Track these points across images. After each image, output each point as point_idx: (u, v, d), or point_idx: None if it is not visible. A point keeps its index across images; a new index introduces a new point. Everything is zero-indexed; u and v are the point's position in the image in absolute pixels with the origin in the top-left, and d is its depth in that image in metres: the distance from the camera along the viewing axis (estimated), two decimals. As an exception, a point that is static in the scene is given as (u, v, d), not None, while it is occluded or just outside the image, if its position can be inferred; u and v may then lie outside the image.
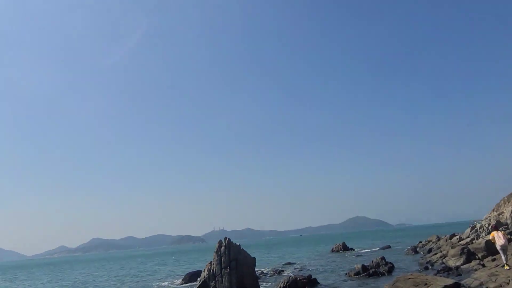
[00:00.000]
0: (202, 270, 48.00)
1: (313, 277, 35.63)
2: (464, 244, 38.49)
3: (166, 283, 48.34)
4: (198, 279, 23.82)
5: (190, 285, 42.56)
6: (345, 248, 79.11)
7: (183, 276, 49.63)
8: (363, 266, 38.77)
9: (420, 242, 66.38)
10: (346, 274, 39.33)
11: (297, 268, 50.99)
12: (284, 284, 30.05)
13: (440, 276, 24.16)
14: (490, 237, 23.26)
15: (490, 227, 25.78)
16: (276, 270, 48.20)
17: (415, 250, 59.05)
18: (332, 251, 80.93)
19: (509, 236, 32.94)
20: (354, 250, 78.78)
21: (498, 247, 21.55)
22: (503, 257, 21.43)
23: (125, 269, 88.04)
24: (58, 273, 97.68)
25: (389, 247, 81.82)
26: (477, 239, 41.52)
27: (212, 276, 20.94)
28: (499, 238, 21.20)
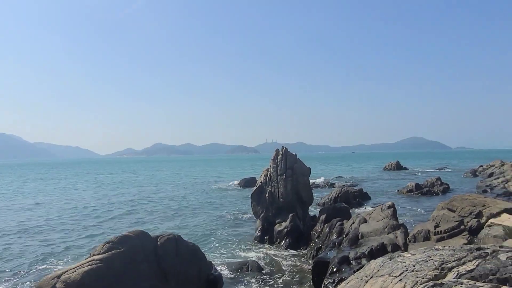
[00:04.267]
0: (255, 176, 51.52)
1: (364, 191, 36.54)
2: (531, 171, 36.37)
3: (224, 185, 52.69)
4: (255, 184, 25.43)
5: (245, 189, 46.03)
6: (398, 166, 78.54)
7: (239, 181, 53.53)
8: (416, 184, 38.69)
9: (481, 166, 63.64)
10: (398, 191, 39.74)
11: (349, 182, 52.23)
12: (336, 194, 31.25)
13: (500, 199, 23.52)
14: None
15: None
16: (328, 182, 49.85)
17: (474, 173, 57.16)
18: (385, 168, 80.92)
19: None
20: (408, 169, 78.05)
21: None
22: None
23: (192, 171, 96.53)
24: (162, 168, 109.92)
25: (446, 168, 79.94)
26: (548, 166, 38.90)
27: (268, 181, 22.18)
28: None
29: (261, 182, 22.69)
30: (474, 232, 15.56)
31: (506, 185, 35.06)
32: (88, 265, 8.39)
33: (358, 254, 13.55)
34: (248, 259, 16.91)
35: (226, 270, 15.44)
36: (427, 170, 74.86)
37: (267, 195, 21.73)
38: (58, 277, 8.17)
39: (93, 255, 9.11)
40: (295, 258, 17.36)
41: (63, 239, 21.66)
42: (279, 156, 22.57)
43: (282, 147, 23.08)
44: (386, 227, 15.66)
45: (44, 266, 16.56)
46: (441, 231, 14.33)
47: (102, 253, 8.93)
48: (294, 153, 23.11)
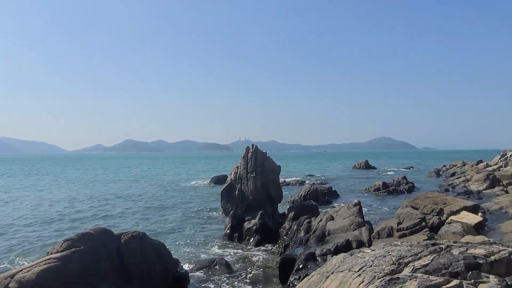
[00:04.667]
0: (227, 174, 51.34)
1: (333, 189, 37.21)
2: (490, 171, 38.19)
3: (195, 183, 52.25)
4: (225, 181, 25.29)
5: (216, 186, 45.76)
6: (367, 166, 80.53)
7: (211, 178, 53.20)
8: (383, 183, 39.79)
9: (444, 166, 66.42)
10: (366, 189, 40.72)
11: (319, 180, 53.02)
12: (305, 192, 31.64)
13: (460, 198, 24.57)
14: None
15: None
16: (298, 180, 50.40)
17: (438, 173, 59.44)
18: (354, 167, 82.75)
19: None
20: (376, 168, 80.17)
21: None
22: None
23: (164, 169, 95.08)
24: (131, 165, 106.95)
25: (412, 168, 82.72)
26: (505, 166, 41.00)
27: (238, 179, 22.15)
28: None
29: (231, 179, 22.62)
30: (435, 229, 16.17)
31: (466, 184, 36.62)
32: (45, 264, 8.03)
33: (324, 250, 13.77)
34: (216, 256, 16.82)
35: (194, 267, 15.28)
36: (394, 170, 77.17)
37: (236, 192, 21.70)
38: (12, 276, 7.77)
39: (51, 253, 8.75)
40: (263, 255, 17.42)
41: (24, 237, 20.74)
42: (249, 154, 22.58)
43: (252, 145, 23.11)
44: (352, 224, 16.01)
45: (1, 265, 15.79)
46: (403, 228, 14.81)
47: (61, 251, 8.58)
48: (264, 151, 23.19)
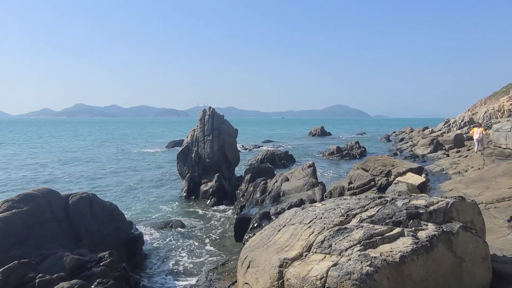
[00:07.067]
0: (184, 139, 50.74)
1: (289, 153, 37.97)
2: (434, 136, 40.65)
3: (151, 147, 51.08)
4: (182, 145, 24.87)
5: (173, 150, 45.06)
6: (323, 132, 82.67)
7: (167, 143, 52.25)
8: (337, 147, 41.17)
9: (394, 132, 69.91)
10: (321, 153, 41.99)
11: (276, 145, 53.83)
12: (262, 156, 32.03)
13: (407, 161, 26.11)
14: (471, 131, 26.29)
15: (475, 125, 28.30)
16: (256, 145, 50.85)
17: (388, 139, 62.47)
18: (310, 133, 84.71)
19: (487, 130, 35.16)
20: (331, 134, 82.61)
21: (475, 140, 24.71)
22: (479, 147, 24.30)
23: (118, 134, 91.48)
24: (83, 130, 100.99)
25: (364, 134, 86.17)
26: (448, 132, 43.80)
27: (195, 142, 21.87)
28: (476, 134, 24.19)
29: (187, 142, 22.28)
30: (383, 189, 17.08)
31: (413, 148, 38.83)
32: (-18, 226, 7.51)
33: (279, 209, 14.12)
34: (172, 218, 16.77)
35: (149, 229, 15.17)
36: (348, 135, 80.00)
37: (193, 155, 21.46)
38: None
39: (-11, 215, 8.18)
40: (220, 216, 17.62)
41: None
42: (206, 117, 22.23)
43: (209, 107, 22.72)
44: (305, 184, 16.50)
45: None
46: (354, 187, 15.50)
47: (0, 213, 8.06)
48: (221, 114, 22.91)
